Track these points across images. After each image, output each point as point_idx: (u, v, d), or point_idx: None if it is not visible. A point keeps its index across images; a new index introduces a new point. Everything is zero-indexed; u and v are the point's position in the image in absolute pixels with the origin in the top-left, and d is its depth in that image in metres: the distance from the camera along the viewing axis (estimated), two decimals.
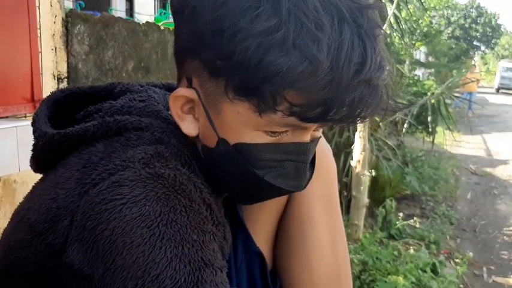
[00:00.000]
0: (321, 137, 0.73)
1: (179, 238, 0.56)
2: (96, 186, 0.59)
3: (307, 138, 0.67)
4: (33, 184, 0.74)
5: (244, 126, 0.63)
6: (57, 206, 0.61)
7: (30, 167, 0.78)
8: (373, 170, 4.13)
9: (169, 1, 0.71)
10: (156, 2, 11.52)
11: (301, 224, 0.81)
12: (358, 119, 0.61)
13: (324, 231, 0.81)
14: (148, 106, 0.72)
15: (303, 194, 0.81)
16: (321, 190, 0.83)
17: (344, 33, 0.56)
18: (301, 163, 0.67)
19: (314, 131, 0.69)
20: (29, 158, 0.77)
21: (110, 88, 0.79)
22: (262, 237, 0.83)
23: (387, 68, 0.63)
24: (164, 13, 10.05)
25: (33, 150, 0.74)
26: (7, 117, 1.78)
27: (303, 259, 0.80)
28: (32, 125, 0.73)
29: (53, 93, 0.79)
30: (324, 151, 0.83)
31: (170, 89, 0.82)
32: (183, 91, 0.66)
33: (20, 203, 0.73)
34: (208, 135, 0.67)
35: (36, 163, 0.75)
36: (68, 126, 0.70)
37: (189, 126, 0.68)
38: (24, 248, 0.63)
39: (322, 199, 0.82)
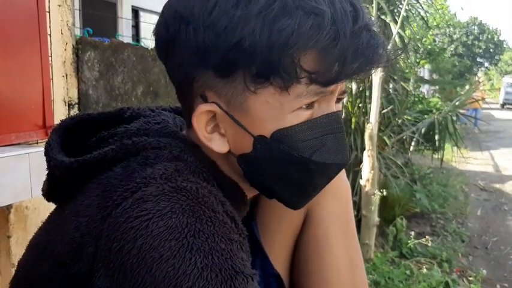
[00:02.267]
0: (342, 110, 0.74)
1: (208, 248, 0.55)
2: (118, 206, 0.58)
3: (333, 106, 0.67)
4: (49, 214, 0.73)
5: (276, 113, 0.63)
6: (80, 234, 0.60)
7: (42, 196, 0.77)
8: (384, 190, 4.11)
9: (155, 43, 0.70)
10: None
11: (317, 245, 0.80)
12: (373, 65, 0.63)
13: (340, 252, 0.80)
14: (164, 128, 0.72)
15: (319, 215, 0.81)
16: (337, 211, 0.82)
17: None
18: (338, 133, 0.67)
19: (337, 101, 0.69)
20: (41, 187, 0.76)
21: (120, 113, 0.79)
22: (279, 259, 0.82)
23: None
24: None
25: (48, 180, 0.73)
26: (19, 143, 1.79)
27: (321, 281, 0.79)
28: (46, 155, 0.71)
29: (63, 121, 0.78)
30: None
31: (179, 112, 0.82)
32: (203, 107, 0.66)
33: (35, 235, 0.72)
34: (241, 142, 0.67)
35: (51, 193, 0.73)
36: (80, 153, 0.69)
37: (218, 144, 0.68)
38: (48, 281, 0.62)
39: (338, 220, 0.82)
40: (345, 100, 4.87)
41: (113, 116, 0.79)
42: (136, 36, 10.65)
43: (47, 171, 0.73)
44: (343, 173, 0.85)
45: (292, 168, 0.66)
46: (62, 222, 0.65)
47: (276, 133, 0.64)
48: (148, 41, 9.38)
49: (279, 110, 0.63)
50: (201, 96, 0.66)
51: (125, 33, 9.70)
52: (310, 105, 0.64)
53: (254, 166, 0.68)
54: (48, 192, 0.74)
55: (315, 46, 0.59)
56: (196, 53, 0.62)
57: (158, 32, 0.67)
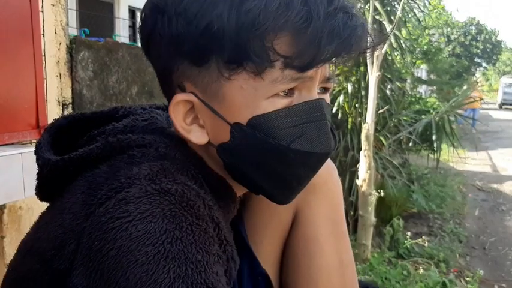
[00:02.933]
0: (327, 101, 0.70)
1: (183, 257, 0.54)
2: (102, 205, 0.58)
3: (315, 93, 0.65)
4: (40, 214, 0.73)
5: (251, 99, 0.62)
6: (63, 231, 0.60)
7: (35, 195, 0.77)
8: (381, 190, 4.11)
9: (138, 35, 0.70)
10: None
11: (307, 247, 0.79)
12: (351, 48, 0.61)
13: (330, 253, 0.79)
14: (151, 124, 0.72)
15: (308, 216, 0.80)
16: (327, 211, 0.81)
17: None
18: (320, 121, 0.65)
19: (320, 93, 0.67)
20: (34, 186, 0.76)
21: (113, 113, 0.79)
22: (267, 259, 0.81)
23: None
24: None
25: (38, 178, 0.73)
26: (12, 143, 1.78)
27: (310, 282, 0.79)
28: (35, 153, 0.72)
29: (56, 120, 0.78)
30: (329, 171, 0.82)
31: None
32: (179, 96, 0.65)
33: (26, 234, 0.72)
34: (219, 131, 0.65)
35: (42, 192, 0.73)
36: (71, 152, 0.69)
37: (197, 136, 0.67)
38: (32, 279, 0.61)
39: (328, 220, 0.81)
40: (341, 100, 4.87)
41: (106, 115, 0.78)
42: (133, 36, 10.65)
43: (37, 171, 0.73)
44: (334, 172, 0.84)
45: (271, 157, 0.64)
46: (49, 220, 0.65)
47: (252, 120, 0.62)
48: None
49: (254, 96, 0.62)
50: (179, 86, 0.66)
51: (122, 34, 9.71)
52: (289, 93, 0.63)
53: (233, 156, 0.66)
54: (39, 191, 0.74)
55: (285, 27, 0.57)
56: (172, 42, 0.62)
57: (140, 27, 0.67)
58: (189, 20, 0.59)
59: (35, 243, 0.64)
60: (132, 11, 10.94)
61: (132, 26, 11.08)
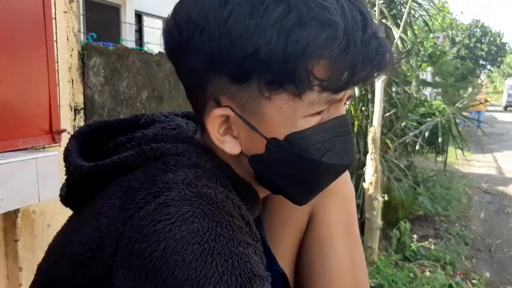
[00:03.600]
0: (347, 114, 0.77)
1: (228, 251, 0.57)
2: (141, 209, 0.60)
3: (342, 110, 0.71)
4: (67, 220, 0.75)
5: (289, 118, 0.66)
6: (100, 235, 0.61)
7: (60, 200, 0.79)
8: (385, 194, 4.12)
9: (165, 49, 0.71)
10: None
11: (321, 247, 0.82)
12: (381, 71, 0.66)
13: (343, 254, 0.82)
14: (181, 133, 0.74)
15: (323, 217, 0.83)
16: (340, 213, 0.84)
17: None
18: (346, 135, 0.71)
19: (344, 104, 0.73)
20: (59, 193, 0.78)
21: (135, 120, 0.81)
22: (284, 259, 0.84)
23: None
24: None
25: (67, 185, 0.74)
26: (26, 148, 1.81)
27: (323, 282, 0.81)
28: (65, 160, 0.73)
29: (81, 128, 0.80)
30: (342, 175, 0.85)
31: (190, 117, 0.84)
32: (218, 111, 0.68)
33: (54, 239, 0.74)
34: (254, 143, 0.69)
35: (69, 197, 0.75)
36: (96, 159, 0.71)
37: (231, 146, 0.70)
38: (65, 283, 0.63)
39: (341, 222, 0.83)
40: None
41: (128, 123, 0.81)
42: (139, 40, 10.69)
43: (65, 176, 0.75)
44: (348, 176, 0.88)
45: (303, 169, 0.69)
46: (81, 224, 0.66)
47: (289, 136, 0.67)
48: (151, 45, 9.44)
49: (292, 116, 0.66)
50: (214, 100, 0.68)
51: (128, 38, 9.74)
52: (319, 114, 0.67)
53: (266, 166, 0.70)
54: (67, 197, 0.76)
55: (328, 56, 0.61)
56: (211, 59, 0.64)
57: (170, 35, 0.69)
58: (232, 42, 0.61)
59: (67, 247, 0.66)
60: (138, 15, 10.99)
61: (139, 31, 11.11)
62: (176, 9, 0.68)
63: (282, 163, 0.69)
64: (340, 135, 0.70)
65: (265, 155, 0.69)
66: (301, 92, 0.63)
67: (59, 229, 0.76)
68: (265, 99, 0.65)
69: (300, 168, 0.69)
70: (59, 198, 0.79)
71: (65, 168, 0.74)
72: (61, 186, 0.81)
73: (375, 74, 0.66)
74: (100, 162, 0.69)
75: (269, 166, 0.70)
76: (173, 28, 0.68)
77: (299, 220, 0.84)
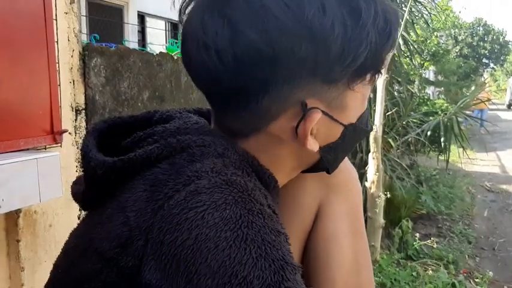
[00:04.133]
0: None
1: (261, 239, 0.56)
2: (171, 198, 0.59)
3: None
4: (82, 219, 0.74)
5: (361, 102, 0.73)
6: (129, 228, 0.60)
7: (74, 200, 0.79)
8: (387, 192, 4.12)
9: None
10: (168, 33, 11.73)
11: (326, 243, 0.82)
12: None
13: (348, 250, 0.81)
14: (204, 127, 0.73)
15: (329, 214, 0.83)
16: (346, 210, 0.83)
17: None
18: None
19: None
20: (71, 191, 0.78)
21: (148, 116, 0.81)
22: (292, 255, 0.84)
23: None
24: (176, 43, 10.25)
25: (87, 181, 0.73)
26: (27, 149, 1.82)
27: (328, 278, 0.81)
28: (83, 157, 0.72)
29: (96, 124, 0.79)
30: (350, 172, 0.86)
31: (201, 114, 0.83)
32: (315, 117, 0.67)
33: (70, 239, 0.73)
34: (331, 134, 0.73)
35: (88, 195, 0.74)
36: (115, 154, 0.70)
37: (313, 145, 0.70)
38: (92, 279, 0.62)
39: (347, 219, 0.83)
40: None
41: (143, 119, 0.80)
42: (142, 41, 10.70)
43: (83, 173, 0.74)
44: (355, 174, 0.88)
45: (358, 141, 0.79)
46: (105, 219, 0.65)
47: (360, 117, 0.73)
48: (154, 45, 9.46)
49: (363, 99, 0.73)
50: (299, 103, 0.67)
51: (131, 39, 9.76)
52: None
53: (335, 152, 0.75)
54: (85, 194, 0.75)
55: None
56: (313, 66, 0.64)
57: (249, 49, 0.63)
58: (339, 47, 0.63)
59: (91, 244, 0.64)
60: (141, 16, 11.00)
61: (141, 31, 11.13)
62: (263, 15, 0.62)
63: (350, 143, 0.76)
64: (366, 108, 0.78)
65: (339, 141, 0.73)
66: (375, 79, 0.70)
67: (75, 227, 0.75)
68: (350, 91, 0.69)
69: (358, 141, 0.79)
70: (72, 196, 0.79)
71: (82, 165, 0.73)
72: (72, 184, 0.80)
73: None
74: (125, 156, 0.68)
75: (339, 150, 0.75)
76: (259, 41, 0.62)
77: (306, 215, 0.83)
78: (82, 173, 0.75)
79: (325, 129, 0.70)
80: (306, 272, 0.84)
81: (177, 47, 9.58)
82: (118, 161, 0.68)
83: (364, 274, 0.82)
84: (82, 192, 0.75)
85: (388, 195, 4.12)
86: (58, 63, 1.96)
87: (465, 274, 4.50)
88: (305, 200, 0.82)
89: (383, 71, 0.78)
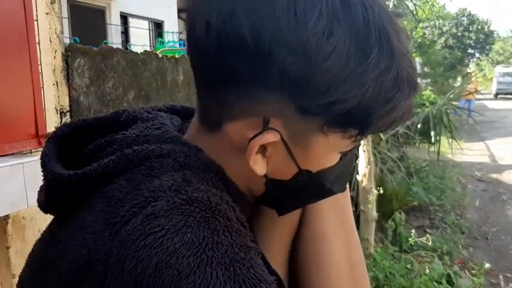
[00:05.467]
0: None
1: (228, 259, 0.53)
2: (127, 223, 0.55)
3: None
4: (48, 226, 0.71)
5: (329, 153, 0.64)
6: (87, 251, 0.57)
7: (39, 207, 0.75)
8: (380, 188, 4.12)
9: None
10: (152, 33, 11.67)
11: (315, 246, 0.78)
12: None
13: (339, 251, 0.78)
14: (166, 133, 0.69)
15: (316, 214, 0.79)
16: (334, 209, 0.80)
17: None
18: (351, 165, 0.72)
19: None
20: (37, 199, 0.73)
21: (115, 117, 0.76)
22: (277, 260, 0.80)
23: None
24: (162, 42, 10.21)
25: (46, 193, 0.70)
26: (13, 153, 1.78)
27: (321, 280, 0.78)
28: (42, 167, 0.69)
29: (58, 129, 0.75)
30: None
31: (174, 111, 0.80)
32: (270, 137, 0.61)
33: (35, 248, 0.70)
34: (283, 170, 0.65)
35: (50, 205, 0.70)
36: (77, 162, 0.67)
37: (260, 167, 0.64)
38: None
39: (335, 218, 0.80)
40: None
41: (109, 121, 0.76)
42: (126, 42, 10.63)
43: (43, 183, 0.70)
44: None
45: (315, 197, 0.71)
46: (66, 237, 0.62)
47: (322, 170, 0.65)
48: (136, 46, 9.38)
49: (332, 152, 0.64)
50: (263, 118, 0.61)
51: (114, 40, 9.69)
52: None
53: (282, 191, 0.67)
54: (46, 204, 0.71)
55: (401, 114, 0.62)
56: (293, 84, 0.57)
57: (242, 40, 0.58)
58: (328, 80, 0.56)
59: (54, 262, 0.62)
60: (124, 17, 10.93)
61: (124, 32, 11.06)
62: (261, 19, 0.57)
63: (301, 191, 0.68)
64: (348, 166, 0.70)
65: (289, 182, 0.66)
66: (358, 135, 0.61)
67: (39, 237, 0.71)
68: (321, 135, 0.60)
69: (314, 196, 0.70)
70: (37, 203, 0.75)
71: (42, 175, 0.69)
72: (38, 191, 0.77)
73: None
74: (80, 170, 0.64)
75: (286, 192, 0.68)
76: (247, 32, 0.57)
77: (290, 218, 0.80)
78: None
79: (278, 159, 0.64)
80: (295, 278, 0.81)
81: (164, 46, 9.55)
82: (74, 175, 0.64)
83: (358, 270, 0.79)
84: (44, 201, 0.71)
85: (381, 191, 4.11)
86: (40, 65, 1.92)
87: (460, 264, 4.51)
88: None
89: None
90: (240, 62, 0.59)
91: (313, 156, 0.63)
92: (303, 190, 0.67)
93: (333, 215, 0.80)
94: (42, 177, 0.69)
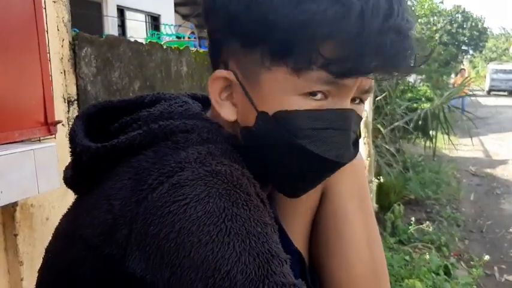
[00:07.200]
0: (361, 117, 0.73)
1: (245, 232, 0.55)
2: (155, 190, 0.58)
3: (347, 103, 0.67)
4: (73, 203, 0.74)
5: (283, 92, 0.64)
6: (113, 216, 0.60)
7: (65, 184, 0.77)
8: (380, 177, 4.14)
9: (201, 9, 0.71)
10: (147, 25, 11.63)
11: (337, 224, 0.80)
12: (394, 69, 0.63)
13: (359, 229, 0.80)
14: (188, 110, 0.72)
15: (336, 193, 0.81)
16: (353, 189, 0.82)
17: None
18: (343, 131, 0.67)
19: (355, 103, 0.69)
20: (63, 176, 0.76)
21: (140, 100, 0.79)
22: (298, 237, 0.82)
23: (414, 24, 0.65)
24: (157, 34, 10.17)
25: (73, 167, 0.73)
26: (22, 141, 1.78)
27: (341, 258, 0.79)
28: (71, 142, 0.72)
29: (85, 109, 0.79)
30: None
31: (196, 98, 0.82)
32: (219, 73, 0.68)
33: (60, 222, 0.73)
34: (247, 114, 0.68)
35: (75, 181, 0.73)
36: (102, 139, 0.69)
37: (227, 112, 0.70)
38: (79, 266, 0.62)
39: (355, 197, 0.82)
40: None
41: (133, 102, 0.79)
42: (122, 35, 10.58)
43: (71, 158, 0.73)
44: (360, 155, 0.86)
45: (289, 153, 0.66)
46: (91, 206, 0.65)
47: (278, 113, 0.65)
48: (134, 39, 9.32)
49: (286, 91, 0.64)
50: (223, 63, 0.69)
51: (111, 33, 9.63)
52: (322, 96, 0.65)
53: (253, 141, 0.69)
54: (73, 179, 0.74)
55: (334, 36, 0.59)
56: (228, 21, 0.65)
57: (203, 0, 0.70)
58: (247, 4, 0.61)
59: (77, 230, 0.64)
60: (120, 10, 10.87)
61: (121, 25, 11.00)
62: None
63: (268, 140, 0.67)
64: (336, 129, 0.66)
65: (253, 129, 0.67)
66: (300, 68, 0.61)
67: (65, 212, 0.74)
68: (266, 69, 0.64)
69: (286, 152, 0.66)
70: (63, 180, 0.78)
71: (70, 150, 0.73)
72: (64, 169, 0.79)
73: (386, 69, 0.63)
74: (108, 143, 0.67)
75: (256, 141, 0.68)
76: None
77: (311, 197, 0.82)
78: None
79: (242, 103, 0.68)
80: (315, 255, 0.83)
81: (158, 38, 9.53)
82: (101, 148, 0.67)
83: (375, 249, 0.82)
84: (70, 177, 0.75)
85: (381, 180, 4.14)
86: (49, 53, 1.92)
87: (456, 256, 4.56)
88: None
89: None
90: (209, 24, 0.71)
91: (267, 95, 0.65)
92: (270, 140, 0.66)
93: (352, 194, 0.82)
94: (70, 152, 0.73)
